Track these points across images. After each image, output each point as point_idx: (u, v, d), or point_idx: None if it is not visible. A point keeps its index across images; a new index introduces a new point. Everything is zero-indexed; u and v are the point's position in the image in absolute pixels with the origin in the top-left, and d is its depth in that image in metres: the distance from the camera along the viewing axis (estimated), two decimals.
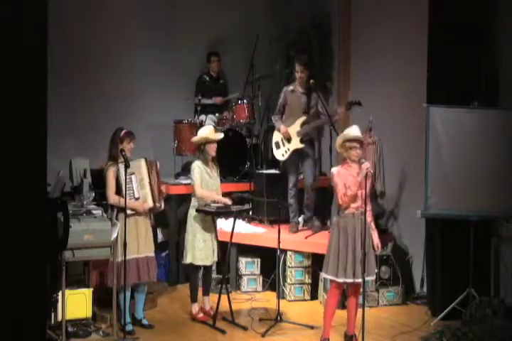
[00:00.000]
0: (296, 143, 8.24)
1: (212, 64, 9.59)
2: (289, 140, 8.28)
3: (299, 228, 8.45)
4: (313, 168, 8.32)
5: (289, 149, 8.29)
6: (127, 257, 6.74)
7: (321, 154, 9.07)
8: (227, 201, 7.28)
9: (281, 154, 8.38)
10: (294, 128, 8.23)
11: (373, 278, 6.91)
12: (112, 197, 6.82)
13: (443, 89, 7.49)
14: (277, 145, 8.41)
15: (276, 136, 8.41)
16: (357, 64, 9.22)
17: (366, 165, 6.43)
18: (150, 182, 6.98)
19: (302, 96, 8.23)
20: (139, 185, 6.93)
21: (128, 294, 6.92)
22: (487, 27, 7.44)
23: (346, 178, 6.47)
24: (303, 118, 8.20)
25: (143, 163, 7.00)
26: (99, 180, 7.01)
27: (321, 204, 8.61)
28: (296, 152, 8.28)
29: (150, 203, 6.98)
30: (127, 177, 6.76)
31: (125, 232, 6.66)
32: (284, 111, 8.35)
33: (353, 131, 6.54)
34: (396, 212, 8.58)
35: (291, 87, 8.30)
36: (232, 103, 9.33)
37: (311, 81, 8.08)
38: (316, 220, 8.48)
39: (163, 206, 7.19)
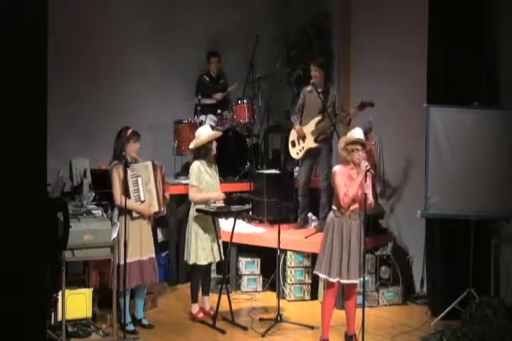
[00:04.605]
0: (310, 143, 8.28)
1: (211, 65, 9.59)
2: (303, 139, 8.32)
3: (304, 226, 8.48)
4: (326, 168, 8.28)
5: (303, 148, 8.35)
6: (130, 259, 6.76)
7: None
8: (220, 195, 7.26)
9: (295, 152, 8.48)
10: (309, 128, 8.27)
11: (358, 280, 6.53)
12: (119, 199, 6.76)
13: (443, 89, 7.49)
14: (293, 144, 8.49)
15: (293, 135, 8.48)
16: (357, 64, 9.22)
17: (364, 163, 6.44)
18: (156, 186, 6.98)
19: (319, 96, 8.24)
20: (145, 188, 6.93)
21: (128, 295, 6.92)
22: (487, 27, 7.44)
23: (347, 179, 6.47)
24: (318, 118, 8.23)
25: (149, 166, 6.98)
26: (99, 180, 7.00)
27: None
28: (310, 151, 8.32)
29: (156, 207, 6.99)
30: (133, 179, 6.79)
31: (127, 234, 6.64)
32: (303, 111, 8.39)
33: (356, 133, 6.52)
34: (396, 212, 8.58)
35: (309, 88, 8.33)
36: (232, 103, 9.34)
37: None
38: (316, 220, 8.48)
39: (165, 211, 7.19)
